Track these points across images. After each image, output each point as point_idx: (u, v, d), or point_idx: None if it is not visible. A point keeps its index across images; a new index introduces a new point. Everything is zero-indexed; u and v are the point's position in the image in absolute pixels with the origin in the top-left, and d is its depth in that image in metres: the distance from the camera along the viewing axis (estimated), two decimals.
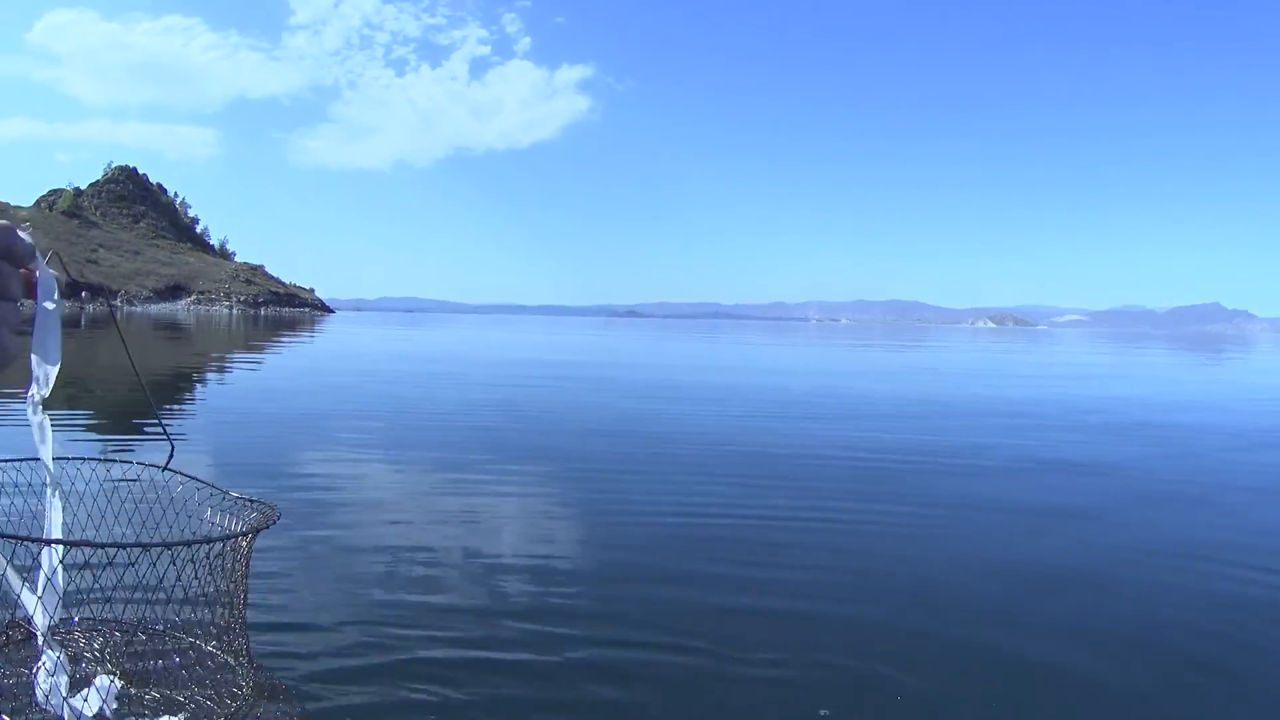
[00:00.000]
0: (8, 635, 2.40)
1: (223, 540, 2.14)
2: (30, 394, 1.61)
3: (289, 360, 34.93)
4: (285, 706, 2.48)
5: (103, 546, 2.01)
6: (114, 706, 2.17)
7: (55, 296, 1.42)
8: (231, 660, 2.51)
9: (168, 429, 2.38)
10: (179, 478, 2.39)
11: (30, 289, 1.32)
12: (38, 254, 1.25)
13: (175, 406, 16.74)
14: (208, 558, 2.15)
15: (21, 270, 1.19)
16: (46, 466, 1.93)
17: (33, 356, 1.52)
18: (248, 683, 2.46)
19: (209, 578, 2.20)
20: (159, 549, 1.98)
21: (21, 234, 1.15)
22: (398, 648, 6.55)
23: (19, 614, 2.28)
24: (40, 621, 2.05)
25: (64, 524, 2.11)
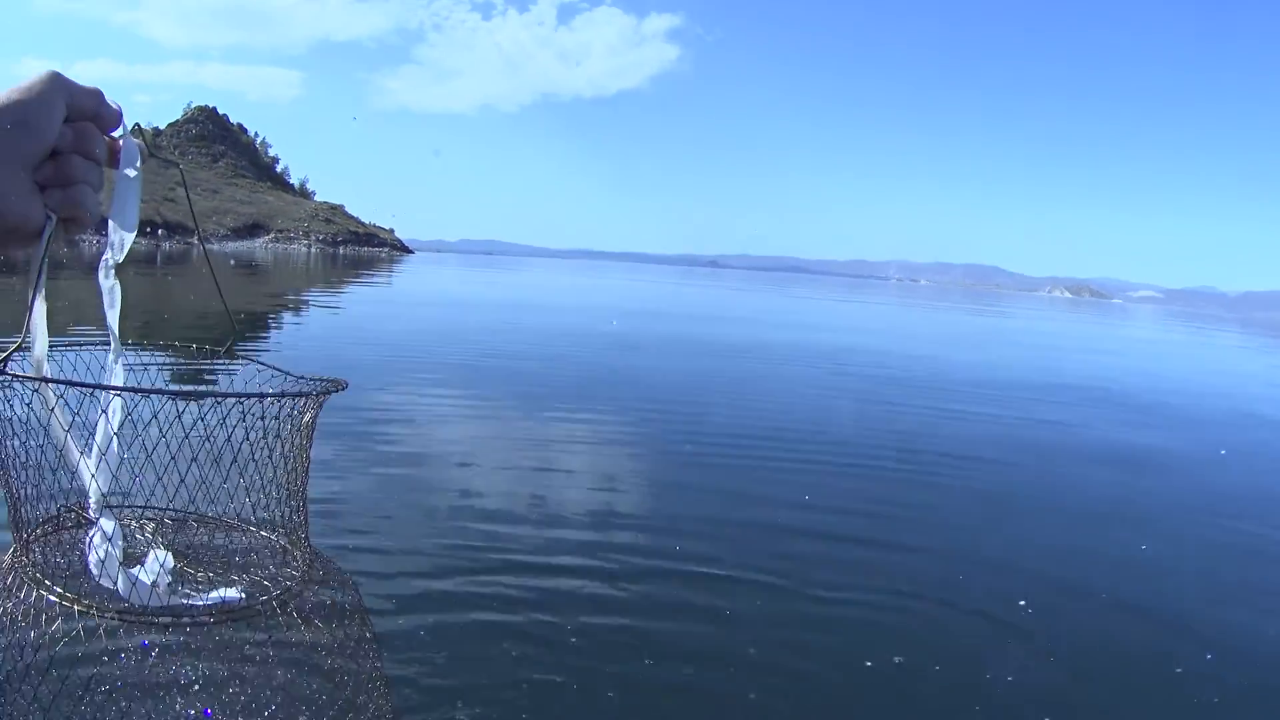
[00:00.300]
0: (59, 521, 2.40)
1: (294, 397, 2.10)
2: (105, 258, 1.65)
3: (367, 299, 35.42)
4: (339, 593, 2.42)
5: (167, 394, 1.97)
6: (168, 580, 2.16)
7: (137, 165, 1.43)
8: (287, 544, 2.48)
9: (233, 316, 2.38)
10: (242, 366, 2.32)
11: (114, 156, 1.35)
12: (124, 122, 1.28)
13: (247, 343, 17.12)
14: (277, 417, 2.10)
15: (106, 137, 1.23)
16: (112, 331, 1.93)
17: (110, 221, 1.57)
18: (303, 565, 2.43)
19: (274, 444, 2.16)
20: (231, 399, 1.96)
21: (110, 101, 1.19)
22: (462, 558, 6.80)
23: (70, 500, 2.30)
24: (97, 484, 2.04)
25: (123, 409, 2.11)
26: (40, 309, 1.83)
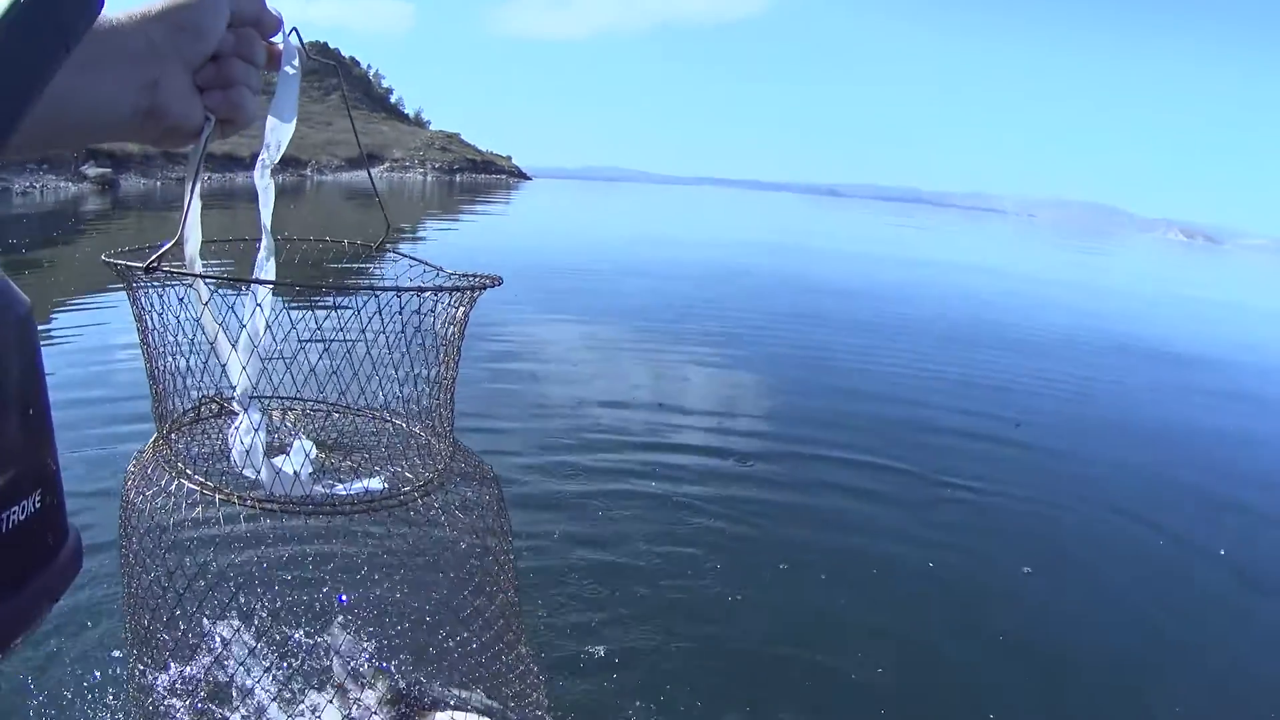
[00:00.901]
0: (200, 412, 2.44)
1: (451, 290, 2.08)
2: (261, 158, 1.69)
3: (490, 227, 35.33)
4: (480, 486, 2.48)
5: (316, 288, 2.02)
6: (310, 470, 2.19)
7: (296, 63, 1.47)
8: (432, 437, 2.50)
9: (385, 209, 2.40)
10: (393, 261, 2.36)
11: (273, 61, 1.39)
12: (284, 28, 1.33)
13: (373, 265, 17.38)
14: (432, 311, 2.11)
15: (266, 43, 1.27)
16: (265, 228, 1.98)
17: (268, 120, 1.60)
18: (446, 458, 2.45)
19: (426, 337, 2.16)
20: (387, 292, 1.96)
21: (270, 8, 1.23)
22: (591, 451, 7.18)
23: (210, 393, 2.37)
24: (246, 375, 2.09)
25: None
26: (196, 208, 1.87)
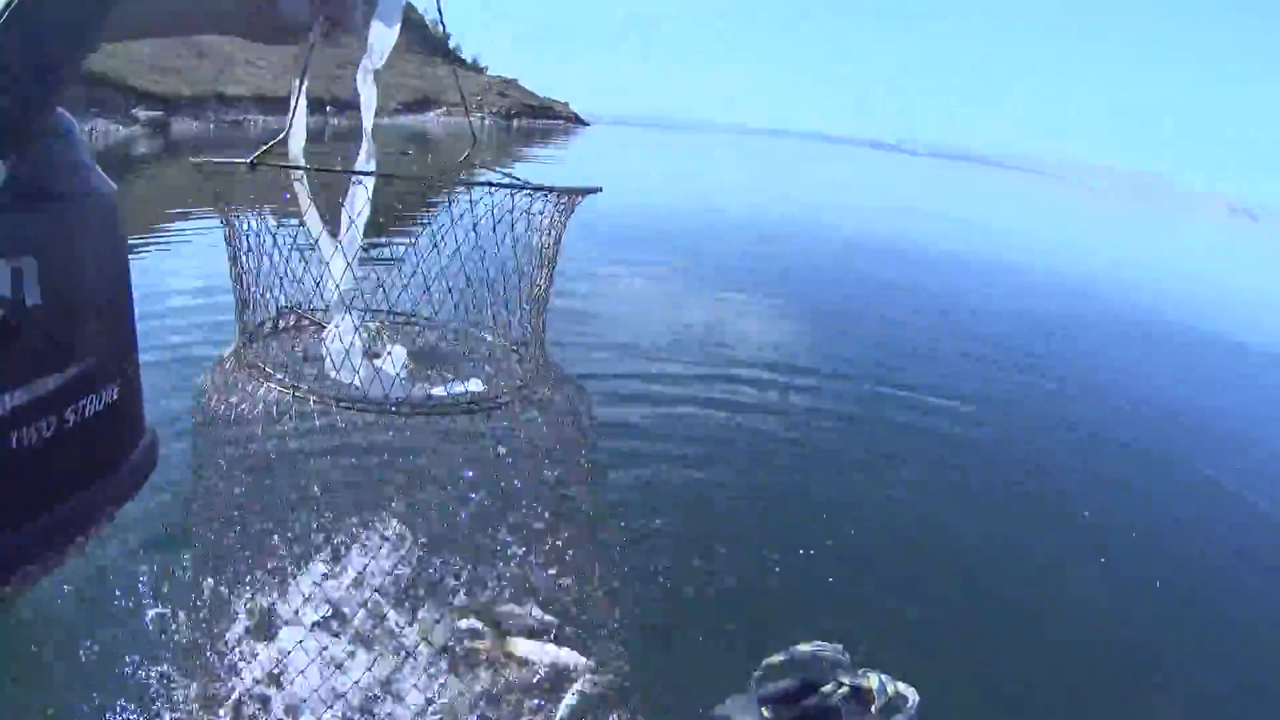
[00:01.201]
0: (276, 324, 2.46)
1: (555, 191, 2.05)
2: (364, 63, 1.79)
3: (549, 174, 35.46)
4: (569, 395, 2.42)
5: (419, 180, 1.98)
6: (403, 376, 2.17)
7: None
8: (523, 350, 2.48)
9: (472, 125, 2.39)
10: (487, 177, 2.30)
11: None
12: None
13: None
14: (527, 211, 2.07)
15: None
16: (365, 132, 2.00)
17: (373, 25, 1.70)
18: (536, 368, 2.43)
19: (517, 248, 2.14)
20: (480, 187, 1.93)
21: None
22: (673, 371, 7.43)
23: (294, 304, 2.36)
24: (350, 271, 2.08)
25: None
26: (302, 106, 1.89)
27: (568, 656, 2.80)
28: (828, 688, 1.79)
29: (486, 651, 2.88)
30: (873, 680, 1.76)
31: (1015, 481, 6.32)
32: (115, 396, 1.39)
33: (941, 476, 6.11)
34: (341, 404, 2.09)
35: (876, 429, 7.05)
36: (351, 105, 2.16)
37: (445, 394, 2.24)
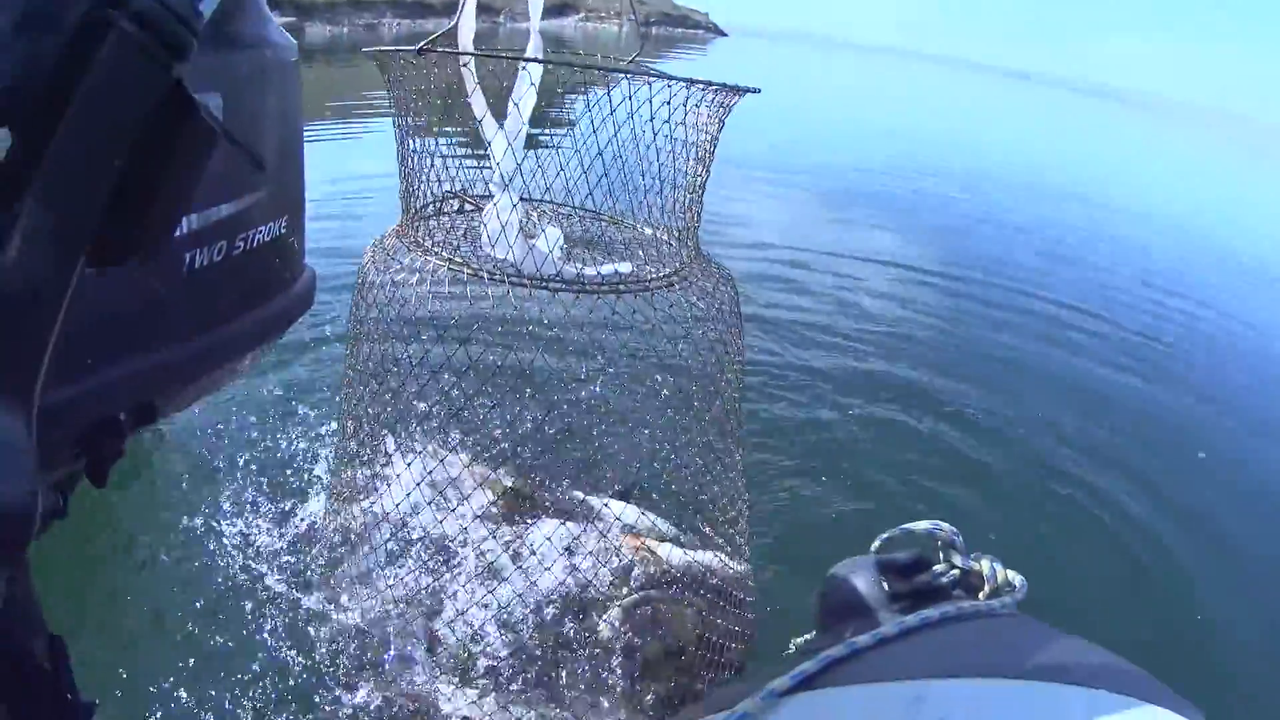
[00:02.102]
0: (440, 206, 2.52)
1: (715, 87, 2.04)
2: None
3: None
4: (720, 286, 2.40)
5: (581, 67, 1.98)
6: (559, 255, 2.20)
7: None
8: (677, 242, 2.46)
9: (639, 30, 2.37)
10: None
11: None
12: None
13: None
14: (683, 105, 2.04)
15: None
16: (534, 29, 1.99)
17: None
18: (688, 258, 2.41)
19: (675, 143, 2.13)
20: (642, 77, 1.94)
21: None
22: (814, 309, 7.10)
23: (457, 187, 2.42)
24: (508, 154, 2.11)
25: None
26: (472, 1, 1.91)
27: (708, 559, 2.80)
28: (939, 567, 1.77)
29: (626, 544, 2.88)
30: (984, 565, 1.73)
31: (1164, 416, 6.06)
32: (281, 231, 1.43)
33: (1081, 403, 5.89)
34: (495, 276, 2.12)
35: (1022, 348, 6.89)
36: (480, 9, 2.20)
37: (597, 274, 2.23)
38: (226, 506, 3.27)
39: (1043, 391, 5.95)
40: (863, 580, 1.73)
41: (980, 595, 1.71)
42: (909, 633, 1.48)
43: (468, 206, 2.55)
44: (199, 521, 3.18)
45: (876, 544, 1.91)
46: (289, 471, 3.58)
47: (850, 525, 3.75)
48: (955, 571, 1.76)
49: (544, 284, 2.13)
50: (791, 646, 2.01)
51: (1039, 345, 6.94)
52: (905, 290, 7.80)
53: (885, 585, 1.73)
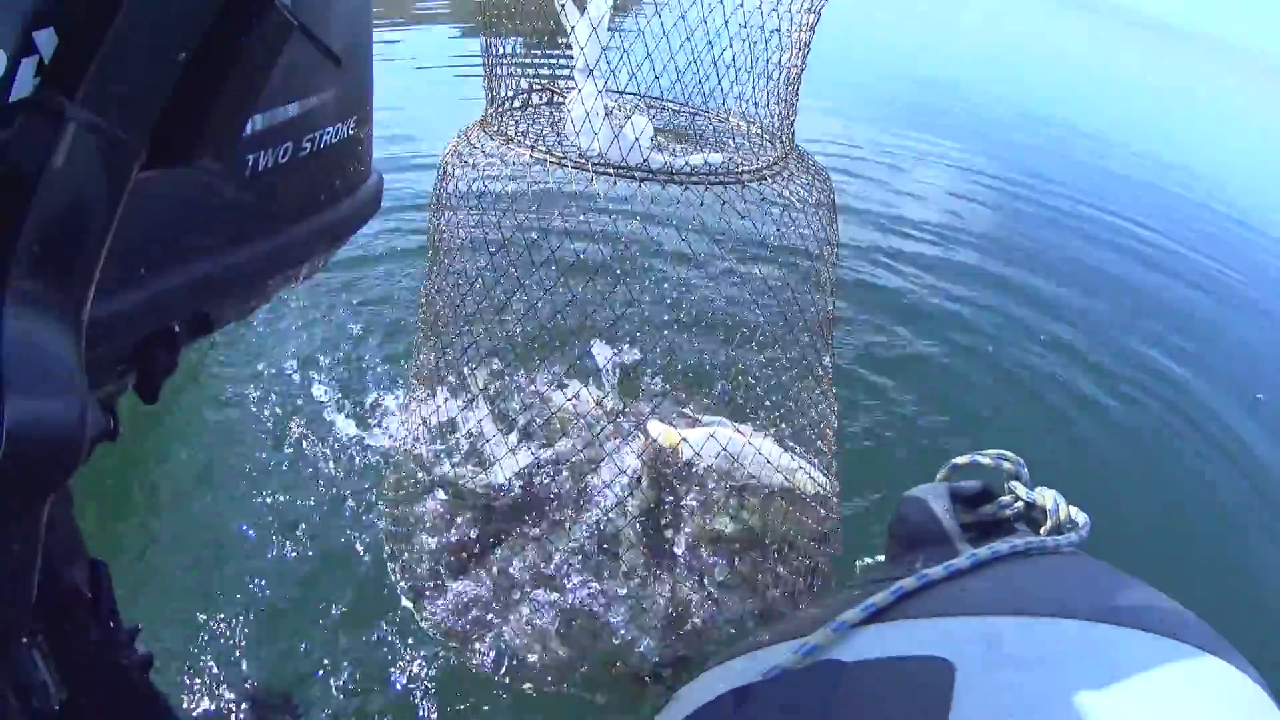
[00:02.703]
0: (528, 99, 2.46)
1: None
2: None
3: None
4: (815, 185, 2.29)
5: None
6: (647, 144, 2.11)
7: None
8: (771, 137, 2.38)
9: None
10: None
11: None
12: None
13: None
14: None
15: None
16: None
17: None
18: (785, 148, 2.32)
19: (770, 36, 2.03)
20: None
21: None
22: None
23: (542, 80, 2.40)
24: (596, 37, 2.04)
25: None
26: None
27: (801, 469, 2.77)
28: (1005, 499, 1.74)
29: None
30: (1047, 499, 1.69)
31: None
32: (349, 133, 1.39)
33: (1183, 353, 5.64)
34: (578, 165, 2.06)
35: (1121, 276, 6.69)
36: None
37: (687, 165, 2.16)
38: (291, 421, 3.21)
39: (1136, 325, 5.72)
40: (936, 508, 1.69)
41: (1042, 530, 1.68)
42: (980, 566, 1.46)
43: (555, 99, 2.48)
44: (252, 440, 3.14)
45: (944, 471, 1.88)
46: (357, 380, 3.53)
47: (925, 446, 3.66)
48: (1019, 504, 1.73)
49: (631, 173, 2.05)
50: (857, 567, 1.98)
51: (1141, 273, 6.67)
52: (1001, 210, 7.57)
53: (956, 515, 1.69)
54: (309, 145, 1.27)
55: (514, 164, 2.15)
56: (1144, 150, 13.60)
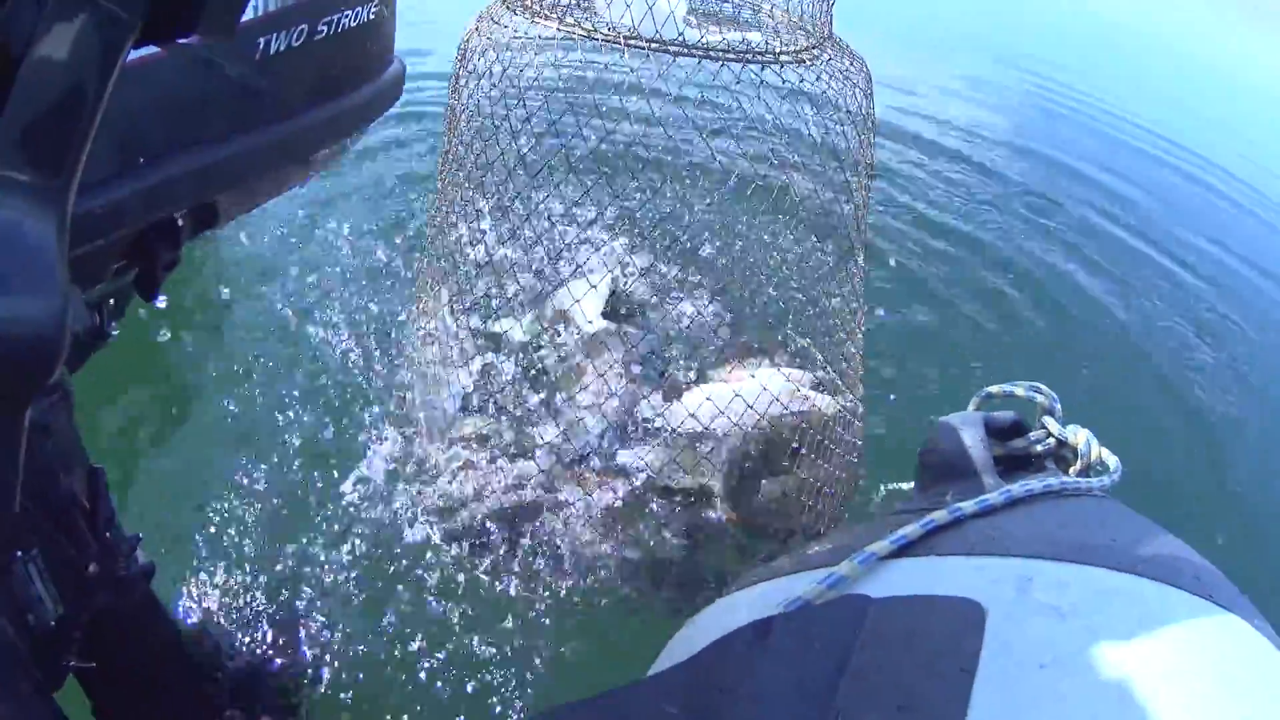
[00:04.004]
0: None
1: None
2: None
3: None
4: (853, 70, 2.20)
5: None
6: (681, 20, 2.01)
7: None
8: (809, 30, 2.25)
9: None
10: None
11: None
12: None
13: None
14: None
15: None
16: None
17: None
18: (824, 33, 2.21)
19: None
20: None
21: None
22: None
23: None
24: None
25: None
26: None
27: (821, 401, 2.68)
28: (1036, 434, 1.71)
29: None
30: (1080, 437, 1.65)
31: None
32: (370, 17, 1.30)
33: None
34: (609, 39, 1.94)
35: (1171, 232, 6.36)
36: None
37: (723, 40, 2.04)
38: (297, 318, 3.13)
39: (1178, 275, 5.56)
40: (970, 438, 1.64)
41: (1071, 470, 1.64)
42: (1013, 504, 1.42)
43: None
44: (262, 338, 3.06)
45: (977, 400, 1.83)
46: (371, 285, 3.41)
47: (958, 374, 3.56)
48: (1051, 441, 1.68)
49: (664, 47, 1.94)
50: (881, 492, 1.93)
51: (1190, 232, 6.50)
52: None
53: (989, 447, 1.64)
54: (325, 28, 1.19)
55: (541, 39, 2.06)
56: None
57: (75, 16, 0.69)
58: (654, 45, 1.92)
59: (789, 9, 2.25)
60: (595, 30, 1.95)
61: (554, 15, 2.04)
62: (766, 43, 2.10)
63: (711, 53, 1.93)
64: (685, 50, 1.92)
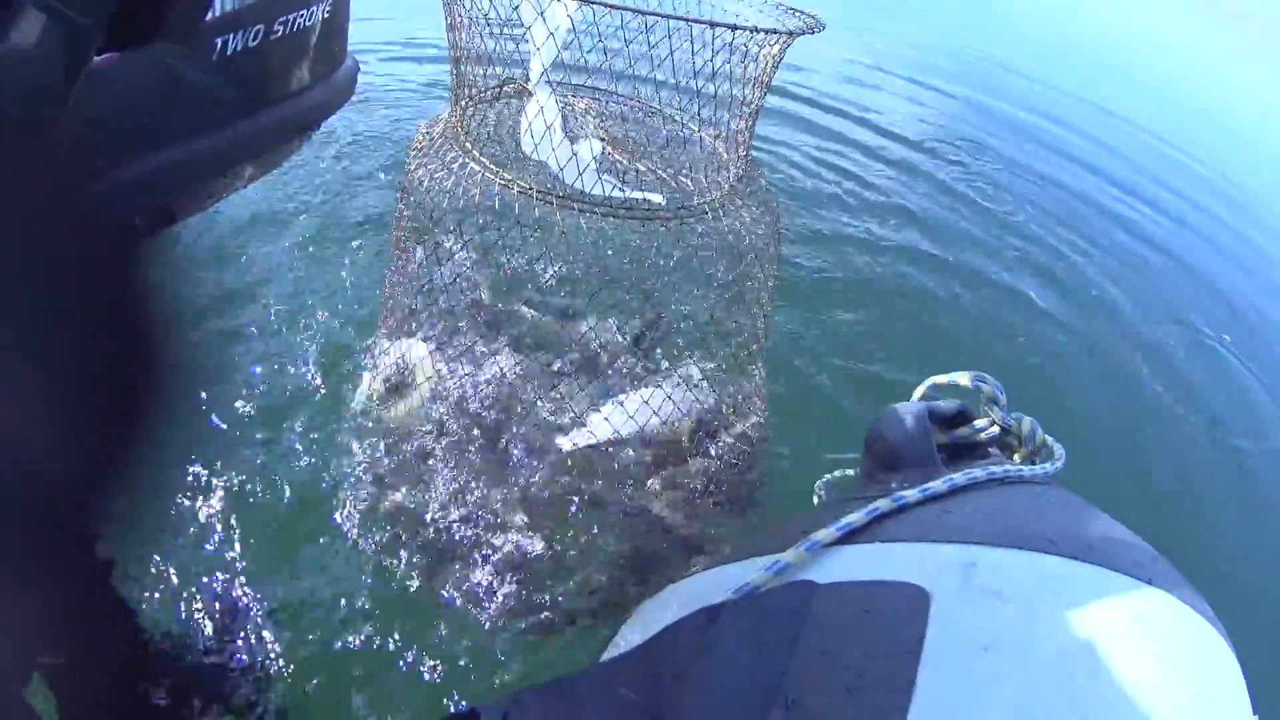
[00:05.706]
0: (499, 92, 2.44)
1: (767, 33, 1.94)
2: None
3: None
4: (757, 207, 2.33)
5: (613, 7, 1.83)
6: (593, 167, 2.15)
7: None
8: (724, 153, 2.40)
9: None
10: None
11: None
12: None
13: None
14: (744, 47, 1.95)
15: None
16: None
17: None
18: (733, 178, 2.35)
19: (737, 68, 2.03)
20: (687, 23, 1.81)
21: None
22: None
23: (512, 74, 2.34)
24: (548, 43, 2.01)
25: None
26: None
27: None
28: (980, 422, 1.73)
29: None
30: (1025, 425, 1.69)
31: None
32: (325, 15, 1.32)
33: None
34: (527, 192, 2.08)
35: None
36: None
37: (631, 195, 2.20)
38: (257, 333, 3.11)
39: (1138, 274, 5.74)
40: (914, 427, 1.66)
41: (1015, 456, 1.68)
42: (957, 491, 1.44)
43: (526, 94, 2.40)
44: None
45: (922, 389, 1.86)
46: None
47: (900, 366, 3.68)
48: (995, 429, 1.71)
49: (576, 204, 2.10)
50: (818, 485, 1.97)
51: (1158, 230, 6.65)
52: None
53: (933, 436, 1.67)
54: (281, 28, 1.20)
55: (463, 175, 2.13)
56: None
57: (40, 22, 0.71)
58: (563, 202, 2.07)
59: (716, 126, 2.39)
60: (513, 182, 2.07)
61: (487, 147, 2.21)
62: (677, 180, 2.35)
63: (618, 211, 2.11)
64: (594, 209, 2.08)
